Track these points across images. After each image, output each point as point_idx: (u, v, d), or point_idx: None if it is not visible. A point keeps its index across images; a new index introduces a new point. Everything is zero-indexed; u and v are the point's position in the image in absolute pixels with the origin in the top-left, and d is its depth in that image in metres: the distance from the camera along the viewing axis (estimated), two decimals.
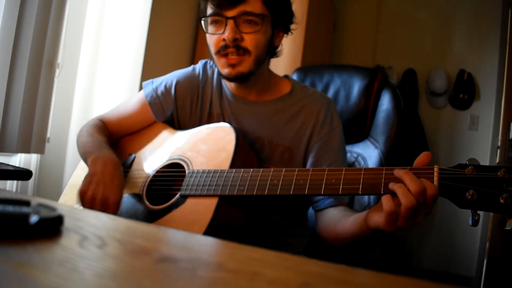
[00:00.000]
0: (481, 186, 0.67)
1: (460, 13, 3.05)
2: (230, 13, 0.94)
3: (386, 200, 0.70)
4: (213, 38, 0.98)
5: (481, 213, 0.69)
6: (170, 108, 1.11)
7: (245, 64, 0.97)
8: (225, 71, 0.98)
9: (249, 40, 0.96)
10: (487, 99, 2.95)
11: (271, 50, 1.05)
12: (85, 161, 1.00)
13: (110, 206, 0.87)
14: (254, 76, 1.00)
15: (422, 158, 0.74)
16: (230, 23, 0.94)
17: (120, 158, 1.06)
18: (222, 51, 0.96)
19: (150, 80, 1.15)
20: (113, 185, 0.89)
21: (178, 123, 1.12)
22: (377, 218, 0.74)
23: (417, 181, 0.69)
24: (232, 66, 0.97)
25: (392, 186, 0.71)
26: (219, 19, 0.96)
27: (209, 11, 0.97)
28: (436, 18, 3.12)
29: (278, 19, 1.01)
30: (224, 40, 0.95)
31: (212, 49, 0.99)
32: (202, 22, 1.00)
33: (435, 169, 0.71)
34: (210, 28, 0.99)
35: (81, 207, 0.89)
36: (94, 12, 1.70)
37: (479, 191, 0.67)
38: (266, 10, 0.97)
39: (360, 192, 0.75)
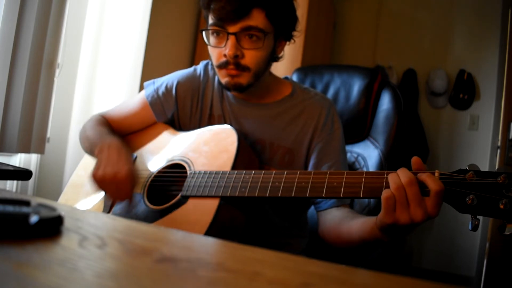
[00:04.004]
0: (481, 192, 0.68)
1: (460, 13, 3.05)
2: (232, 28, 0.93)
3: (384, 190, 0.73)
4: (214, 51, 0.98)
5: (480, 217, 0.69)
6: (171, 109, 1.11)
7: (244, 78, 0.97)
8: (225, 80, 0.98)
9: (250, 57, 0.95)
10: (487, 99, 2.95)
11: (273, 59, 1.04)
12: (92, 153, 1.02)
13: (121, 181, 0.88)
14: (253, 87, 1.00)
15: (417, 164, 0.74)
16: (232, 38, 0.93)
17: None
18: (223, 66, 0.96)
19: (151, 81, 1.15)
20: (120, 161, 0.91)
21: (178, 123, 1.12)
22: (380, 214, 0.74)
23: (408, 173, 0.71)
24: (231, 76, 0.97)
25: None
26: (220, 31, 0.95)
27: (211, 21, 0.96)
28: (436, 18, 3.12)
29: (281, 31, 1.00)
30: (225, 55, 0.95)
31: (214, 62, 0.99)
32: (204, 33, 0.99)
33: (436, 174, 0.72)
34: (212, 39, 0.98)
35: (98, 191, 0.92)
36: (94, 12, 1.70)
37: (479, 196, 0.68)
38: (269, 24, 0.95)
39: (361, 196, 0.75)
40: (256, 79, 0.99)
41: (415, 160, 0.75)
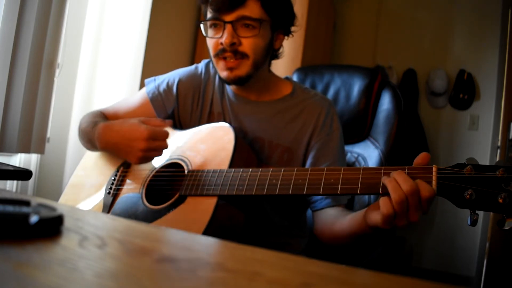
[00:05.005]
0: (479, 186, 0.67)
1: (460, 13, 3.05)
2: (228, 17, 0.95)
3: (383, 203, 0.70)
4: (211, 41, 1.00)
5: (480, 212, 0.68)
6: (171, 106, 1.12)
7: (243, 68, 0.98)
8: (224, 74, 0.99)
9: (247, 44, 0.97)
10: (487, 99, 2.95)
11: (271, 53, 1.05)
12: (92, 143, 1.05)
13: (158, 133, 0.94)
14: (253, 79, 1.01)
15: (421, 159, 0.74)
16: (228, 27, 0.95)
17: (120, 158, 1.07)
18: (220, 54, 0.98)
19: (152, 78, 1.17)
20: (133, 124, 0.95)
21: (179, 121, 1.13)
22: (375, 217, 0.74)
23: (409, 181, 0.69)
24: (230, 69, 0.98)
25: (384, 180, 0.71)
26: (217, 23, 0.97)
27: (209, 15, 0.99)
28: (436, 18, 3.12)
29: (278, 23, 1.02)
30: (222, 44, 0.96)
31: (211, 52, 1.01)
32: (202, 26, 1.01)
33: (434, 169, 0.71)
34: (210, 32, 1.00)
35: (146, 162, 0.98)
36: (94, 12, 1.70)
37: (478, 190, 0.67)
38: (265, 14, 0.98)
39: (358, 192, 0.75)
40: (255, 69, 0.99)
41: (423, 155, 0.73)
